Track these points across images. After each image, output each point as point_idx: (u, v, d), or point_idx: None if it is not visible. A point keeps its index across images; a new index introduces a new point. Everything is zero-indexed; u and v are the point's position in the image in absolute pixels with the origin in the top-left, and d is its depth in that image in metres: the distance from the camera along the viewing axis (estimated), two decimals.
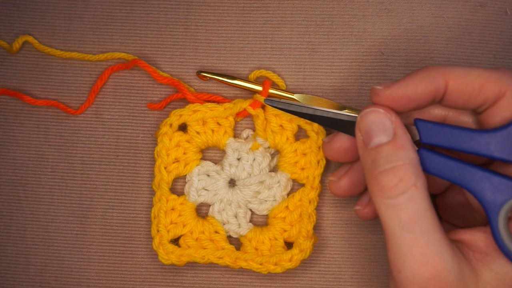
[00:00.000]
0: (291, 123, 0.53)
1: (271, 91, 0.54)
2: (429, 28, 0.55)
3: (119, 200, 0.55)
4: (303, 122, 0.53)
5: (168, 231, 0.53)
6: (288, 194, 0.54)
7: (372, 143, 0.45)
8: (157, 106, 0.55)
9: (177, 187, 0.55)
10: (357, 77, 0.55)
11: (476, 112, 0.46)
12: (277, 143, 0.53)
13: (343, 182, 0.50)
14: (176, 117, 0.53)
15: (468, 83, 0.44)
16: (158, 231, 0.53)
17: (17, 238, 0.55)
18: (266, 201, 0.54)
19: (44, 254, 0.55)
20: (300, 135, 0.54)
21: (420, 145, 0.46)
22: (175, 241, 0.54)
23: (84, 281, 0.55)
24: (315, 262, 0.55)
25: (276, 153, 0.55)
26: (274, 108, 0.53)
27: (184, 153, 0.54)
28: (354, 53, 0.55)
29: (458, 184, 0.44)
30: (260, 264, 0.53)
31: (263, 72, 0.55)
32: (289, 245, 0.54)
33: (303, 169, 0.53)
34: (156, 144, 0.54)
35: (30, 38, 0.55)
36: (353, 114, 0.48)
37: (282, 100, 0.51)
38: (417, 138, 0.46)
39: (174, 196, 0.54)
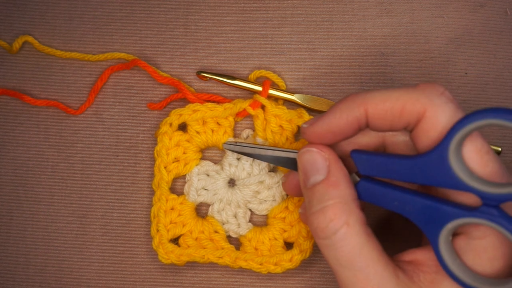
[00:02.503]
0: (291, 123, 0.53)
1: (271, 91, 0.54)
2: (429, 28, 0.55)
3: (119, 200, 0.55)
4: (302, 123, 0.53)
5: (167, 231, 0.53)
6: (287, 195, 0.54)
7: (309, 183, 0.45)
8: (157, 106, 0.55)
9: (177, 187, 0.55)
10: (357, 77, 0.55)
11: (407, 131, 0.45)
12: (277, 143, 0.53)
13: (290, 180, 0.51)
14: (176, 116, 0.53)
15: (387, 109, 0.43)
16: (158, 230, 0.53)
17: (17, 238, 0.55)
18: (265, 201, 0.54)
19: (44, 254, 0.55)
20: (299, 135, 0.54)
21: (361, 176, 0.45)
22: (175, 240, 0.54)
23: (84, 281, 0.55)
24: (315, 262, 0.54)
25: None
26: (274, 108, 0.53)
27: (184, 153, 0.54)
28: (354, 53, 0.55)
29: (398, 212, 0.44)
30: (260, 264, 0.53)
31: (263, 72, 0.55)
32: (289, 245, 0.54)
33: None
34: (156, 144, 0.54)
35: (30, 38, 0.55)
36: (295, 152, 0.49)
37: (238, 143, 0.52)
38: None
39: (174, 196, 0.54)
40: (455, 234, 0.43)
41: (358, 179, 0.45)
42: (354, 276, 0.43)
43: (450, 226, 0.42)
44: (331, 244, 0.43)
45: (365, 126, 0.44)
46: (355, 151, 0.45)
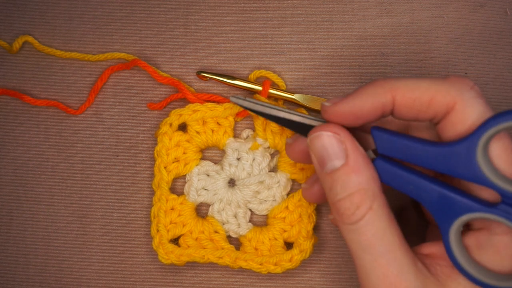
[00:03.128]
0: None
1: (271, 91, 0.54)
2: (429, 28, 0.55)
3: (119, 200, 0.55)
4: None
5: (168, 231, 0.53)
6: (287, 194, 0.54)
7: (326, 168, 0.44)
8: (157, 106, 0.55)
9: (177, 187, 0.55)
10: (357, 77, 0.55)
11: (433, 123, 0.45)
12: (277, 143, 0.53)
13: (315, 189, 0.50)
14: (176, 116, 0.53)
15: (416, 98, 0.42)
16: (158, 230, 0.53)
17: (17, 238, 0.55)
18: (265, 201, 0.54)
19: (44, 254, 0.55)
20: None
21: (377, 154, 0.44)
22: (175, 240, 0.54)
23: (84, 281, 0.55)
24: (315, 262, 0.54)
25: (276, 153, 0.55)
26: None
27: (184, 153, 0.54)
28: (354, 53, 0.55)
29: (412, 197, 0.43)
30: (260, 264, 0.53)
31: (263, 72, 0.55)
32: (289, 245, 0.54)
33: (302, 169, 0.53)
34: (156, 144, 0.54)
35: (30, 38, 0.55)
36: (318, 120, 0.47)
37: (247, 99, 0.50)
38: (374, 147, 0.45)
39: (174, 196, 0.54)
40: (474, 228, 0.43)
41: (374, 156, 0.44)
42: (374, 261, 0.42)
43: (464, 218, 0.42)
44: (355, 228, 0.43)
45: (390, 113, 0.44)
46: (376, 128, 0.44)
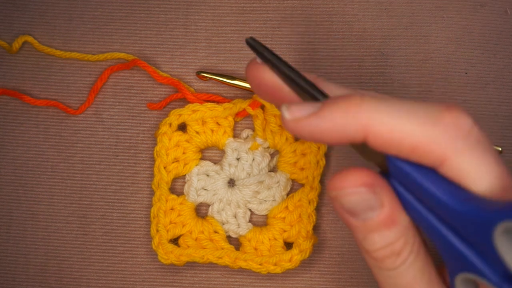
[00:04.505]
0: None
1: None
2: (429, 28, 0.55)
3: (118, 200, 0.55)
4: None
5: (167, 231, 0.53)
6: (287, 194, 0.54)
7: (357, 219, 0.37)
8: (157, 106, 0.55)
9: (177, 187, 0.55)
10: (357, 77, 0.55)
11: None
12: (277, 143, 0.53)
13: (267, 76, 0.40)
14: (175, 116, 0.53)
15: (394, 142, 0.34)
16: (157, 231, 0.53)
17: (17, 238, 0.55)
18: (265, 201, 0.54)
19: (44, 254, 0.55)
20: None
21: (386, 172, 0.37)
22: (175, 241, 0.54)
23: (83, 281, 0.55)
24: (315, 262, 0.54)
25: (275, 153, 0.55)
26: (273, 108, 0.53)
27: (184, 153, 0.54)
28: (354, 53, 0.55)
29: (420, 227, 0.39)
30: (260, 264, 0.53)
31: None
32: (288, 245, 0.54)
33: (302, 169, 0.53)
34: (155, 144, 0.54)
35: (30, 38, 0.55)
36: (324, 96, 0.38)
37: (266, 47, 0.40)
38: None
39: (174, 196, 0.54)
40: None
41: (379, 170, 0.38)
42: None
43: (471, 276, 0.37)
44: (394, 275, 0.38)
45: (360, 143, 0.36)
46: (392, 159, 0.36)
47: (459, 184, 0.35)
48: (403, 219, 0.37)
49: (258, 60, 0.40)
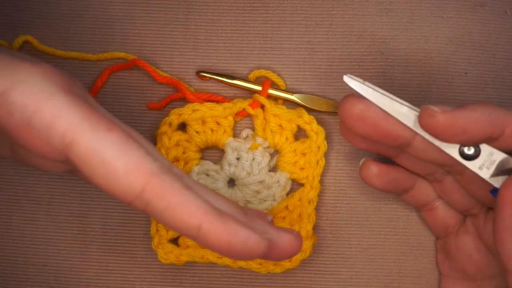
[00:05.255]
0: (290, 123, 0.53)
1: (270, 91, 0.54)
2: (429, 28, 0.55)
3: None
4: (302, 122, 0.53)
5: (167, 231, 0.53)
6: (287, 194, 0.54)
7: None
8: (157, 106, 0.55)
9: None
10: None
11: None
12: (277, 143, 0.53)
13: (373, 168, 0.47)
14: (175, 116, 0.53)
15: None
16: (157, 230, 0.53)
17: (17, 238, 0.55)
18: (265, 200, 0.54)
19: (43, 253, 0.55)
20: (299, 135, 0.54)
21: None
22: (174, 240, 0.54)
23: (83, 281, 0.55)
24: (315, 262, 0.54)
25: (275, 152, 0.55)
26: (273, 108, 0.53)
27: (184, 153, 0.54)
28: (354, 53, 0.55)
29: None
30: (260, 264, 0.53)
31: (263, 72, 0.55)
32: None
33: (302, 169, 0.53)
34: (155, 144, 0.54)
35: (30, 38, 0.55)
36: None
37: (366, 83, 0.43)
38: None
39: None
40: None
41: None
42: None
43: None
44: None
45: (492, 140, 0.42)
46: None
47: None
48: None
49: (373, 169, 0.46)
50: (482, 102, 0.42)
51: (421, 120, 0.41)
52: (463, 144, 0.42)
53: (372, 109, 0.42)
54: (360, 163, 0.48)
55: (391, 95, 0.42)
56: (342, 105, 0.42)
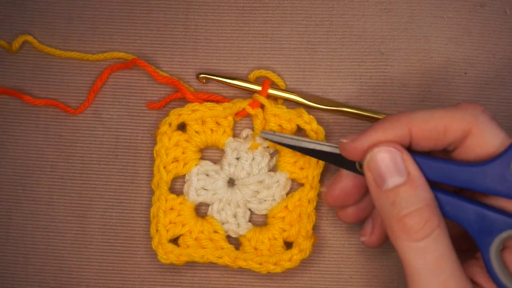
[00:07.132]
0: (290, 122, 0.53)
1: (270, 90, 0.54)
2: (429, 28, 0.55)
3: (118, 199, 0.55)
4: (302, 122, 0.53)
5: (167, 231, 0.53)
6: (287, 194, 0.54)
7: (386, 184, 0.43)
8: (157, 106, 0.55)
9: (176, 187, 0.55)
10: (356, 77, 0.55)
11: (447, 150, 0.46)
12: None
13: (336, 191, 0.49)
14: (175, 116, 0.53)
15: (432, 128, 0.44)
16: (157, 230, 0.53)
17: (17, 238, 0.55)
18: (265, 200, 0.54)
19: (43, 254, 0.55)
20: (299, 134, 0.54)
21: None
22: (174, 240, 0.54)
23: (83, 281, 0.55)
24: (315, 262, 0.54)
25: (275, 152, 0.55)
26: (273, 108, 0.53)
27: (183, 153, 0.54)
28: (354, 53, 0.55)
29: (450, 218, 0.44)
30: (260, 264, 0.52)
31: (263, 72, 0.55)
32: (288, 245, 0.54)
33: (302, 168, 0.53)
34: (155, 144, 0.54)
35: (29, 38, 0.55)
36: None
37: (276, 133, 0.51)
38: None
39: (173, 196, 0.54)
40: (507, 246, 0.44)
41: None
42: (442, 282, 0.41)
43: (504, 235, 0.42)
44: (423, 247, 0.41)
45: (406, 146, 0.44)
46: (411, 154, 0.44)
47: (481, 149, 0.43)
48: (429, 192, 0.43)
49: (323, 189, 0.50)
50: (386, 118, 0.45)
51: (341, 153, 0.46)
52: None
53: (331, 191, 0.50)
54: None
55: (299, 137, 0.50)
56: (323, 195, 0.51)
